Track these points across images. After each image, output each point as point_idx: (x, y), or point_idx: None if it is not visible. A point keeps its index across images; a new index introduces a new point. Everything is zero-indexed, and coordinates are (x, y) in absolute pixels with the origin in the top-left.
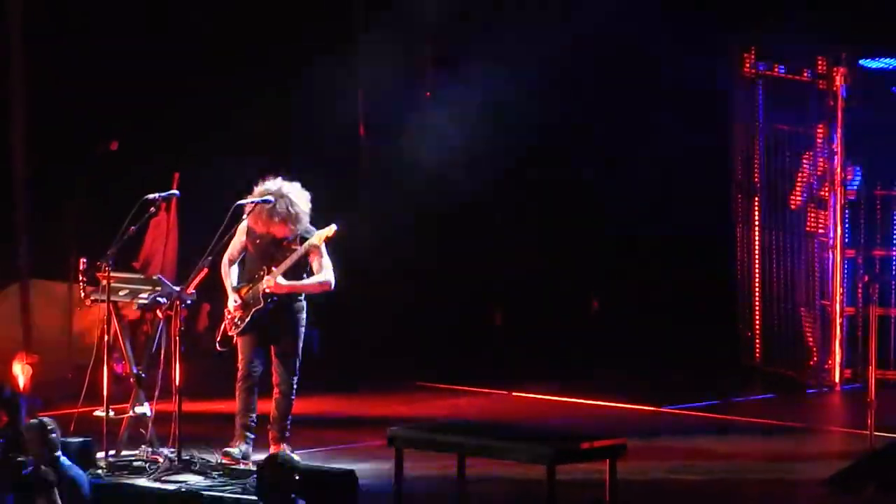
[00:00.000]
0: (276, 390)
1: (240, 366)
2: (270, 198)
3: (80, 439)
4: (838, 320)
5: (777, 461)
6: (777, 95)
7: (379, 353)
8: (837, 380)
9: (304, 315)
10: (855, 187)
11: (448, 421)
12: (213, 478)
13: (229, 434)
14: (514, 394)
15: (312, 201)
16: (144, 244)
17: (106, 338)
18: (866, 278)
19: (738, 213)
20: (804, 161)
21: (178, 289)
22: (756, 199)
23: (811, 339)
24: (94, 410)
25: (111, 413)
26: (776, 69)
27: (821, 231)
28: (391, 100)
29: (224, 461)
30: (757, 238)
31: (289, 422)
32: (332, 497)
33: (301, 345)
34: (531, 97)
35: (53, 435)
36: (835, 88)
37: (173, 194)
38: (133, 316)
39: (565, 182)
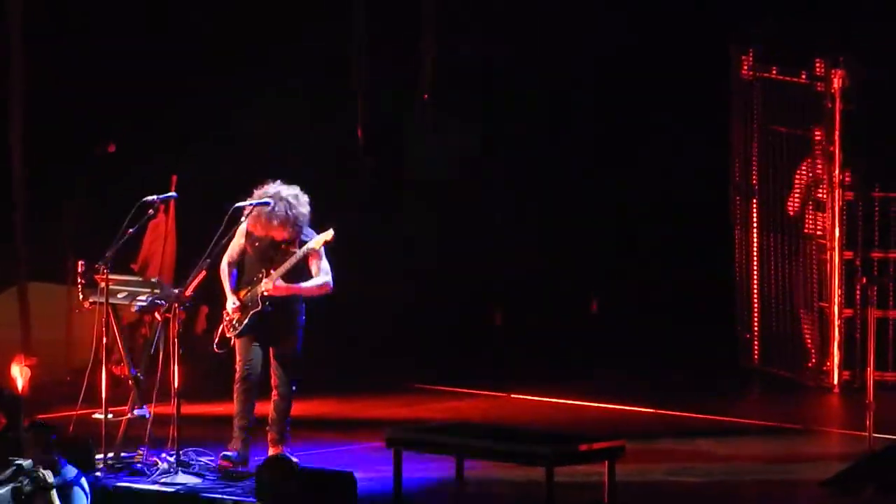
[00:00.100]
0: (274, 392)
1: (238, 368)
2: (269, 200)
3: (79, 441)
4: (836, 322)
5: (775, 463)
6: (775, 97)
7: (378, 355)
8: (836, 381)
9: (302, 317)
10: (851, 189)
11: (447, 422)
12: (212, 480)
13: (228, 436)
14: (512, 395)
15: (311, 203)
16: (143, 246)
17: (104, 340)
18: (864, 280)
19: (736, 215)
20: (802, 164)
21: (176, 291)
22: (754, 200)
23: (809, 340)
24: (92, 413)
25: (110, 415)
26: (774, 71)
27: (819, 233)
28: (389, 101)
29: (222, 463)
30: (755, 240)
31: (287, 423)
32: (330, 498)
33: (300, 347)
34: (530, 97)
35: (52, 437)
36: (832, 90)
37: (172, 196)
38: (131, 318)
39: (564, 183)
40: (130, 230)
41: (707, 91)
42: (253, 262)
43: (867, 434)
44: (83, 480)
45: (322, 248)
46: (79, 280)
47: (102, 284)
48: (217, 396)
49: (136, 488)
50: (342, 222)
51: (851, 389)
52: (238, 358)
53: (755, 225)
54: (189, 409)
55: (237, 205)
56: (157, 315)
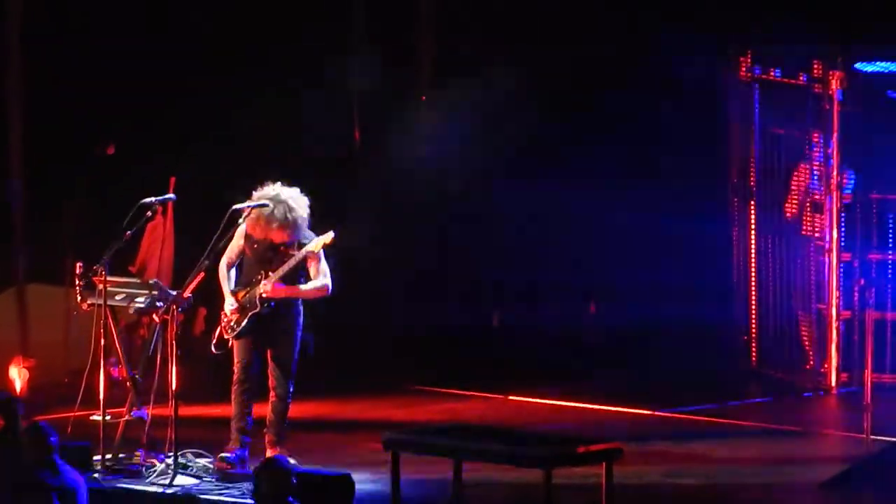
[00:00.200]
0: (272, 394)
1: (235, 369)
2: (267, 202)
3: (77, 443)
4: (834, 324)
5: (774, 465)
6: (773, 99)
7: (375, 357)
8: (834, 383)
9: (300, 319)
10: (849, 191)
11: (444, 424)
12: (210, 482)
13: (225, 438)
14: (510, 397)
15: (310, 205)
16: (141, 248)
17: (102, 341)
18: (862, 282)
19: (734, 217)
20: (800, 166)
21: (174, 293)
22: (752, 202)
23: (807, 342)
24: (90, 414)
25: (108, 417)
26: (772, 73)
27: (817, 235)
28: (387, 102)
29: (220, 465)
30: (753, 241)
31: (285, 425)
32: (328, 500)
33: (297, 349)
34: (528, 99)
35: (50, 439)
36: (830, 92)
37: (170, 198)
38: (129, 320)
39: (563, 185)
40: (129, 232)
41: (705, 92)
42: (252, 263)
43: (865, 436)
44: (81, 481)
45: (321, 251)
46: (77, 282)
47: (100, 286)
48: (215, 398)
49: (133, 490)
50: (340, 223)
51: (849, 391)
52: (236, 359)
53: (753, 227)
54: (187, 410)
55: (235, 206)
56: (155, 317)
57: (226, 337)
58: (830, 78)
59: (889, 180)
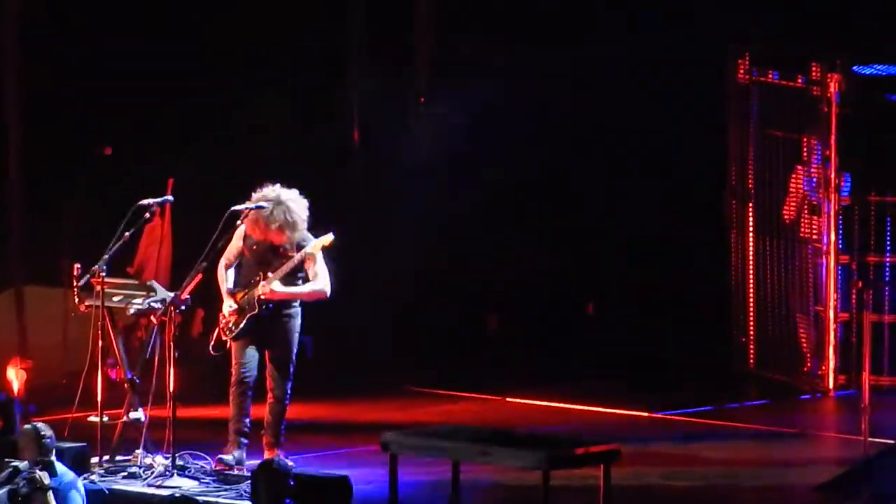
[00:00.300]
0: (270, 395)
1: (233, 371)
2: (265, 204)
3: (75, 444)
4: (832, 326)
5: (771, 467)
6: (771, 101)
7: (373, 358)
8: (831, 385)
9: (298, 321)
10: (846, 194)
11: (442, 426)
12: (207, 483)
13: (223, 439)
14: (508, 399)
15: (309, 207)
16: (139, 250)
17: (100, 343)
18: (860, 284)
19: (732, 219)
20: (798, 168)
21: (172, 294)
22: (750, 204)
23: (805, 344)
24: (88, 416)
25: (105, 418)
26: (770, 75)
27: (815, 237)
28: (386, 104)
29: (218, 467)
30: (751, 243)
31: (283, 427)
32: (326, 502)
33: (295, 350)
34: (526, 101)
35: (48, 440)
36: (828, 95)
37: (167, 200)
38: (127, 321)
39: (561, 187)
40: (126, 234)
41: (703, 94)
42: (250, 264)
43: (862, 438)
44: (79, 483)
45: (320, 253)
46: (75, 283)
47: (98, 288)
48: (213, 400)
49: (131, 491)
50: (339, 224)
51: (847, 394)
52: (234, 361)
53: (751, 229)
54: (185, 412)
55: (233, 208)
56: (152, 318)
57: (224, 338)
58: (828, 80)
59: (887, 183)
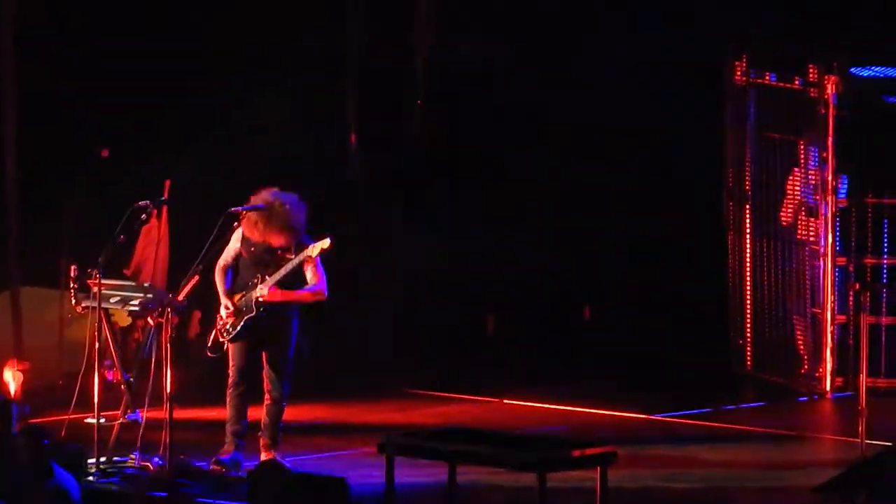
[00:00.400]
0: (267, 397)
1: (230, 372)
2: (262, 205)
3: (72, 446)
4: (829, 328)
5: (768, 469)
6: (768, 103)
7: (371, 360)
8: (828, 388)
9: (296, 323)
10: (842, 196)
11: (439, 428)
12: (205, 485)
13: (220, 441)
14: (505, 401)
15: (308, 210)
16: (135, 251)
17: (97, 345)
18: (857, 286)
19: (729, 221)
20: (795, 170)
21: (169, 296)
22: (747, 206)
23: (802, 346)
24: (84, 417)
25: (102, 420)
26: (767, 77)
27: (812, 239)
28: (386, 106)
29: (215, 468)
30: (748, 245)
31: (280, 428)
32: None
33: (293, 352)
34: (526, 102)
35: (44, 442)
36: (826, 96)
37: (164, 201)
38: (124, 323)
39: (558, 190)
40: (123, 235)
41: (704, 95)
42: (248, 266)
43: (860, 440)
44: (75, 485)
45: (318, 256)
46: (71, 285)
47: (95, 289)
48: (210, 401)
49: (127, 493)
50: (339, 224)
51: (844, 395)
52: (231, 363)
53: (748, 231)
54: (181, 413)
55: (230, 210)
56: (149, 320)
57: (221, 340)
58: (826, 82)
59: (884, 185)
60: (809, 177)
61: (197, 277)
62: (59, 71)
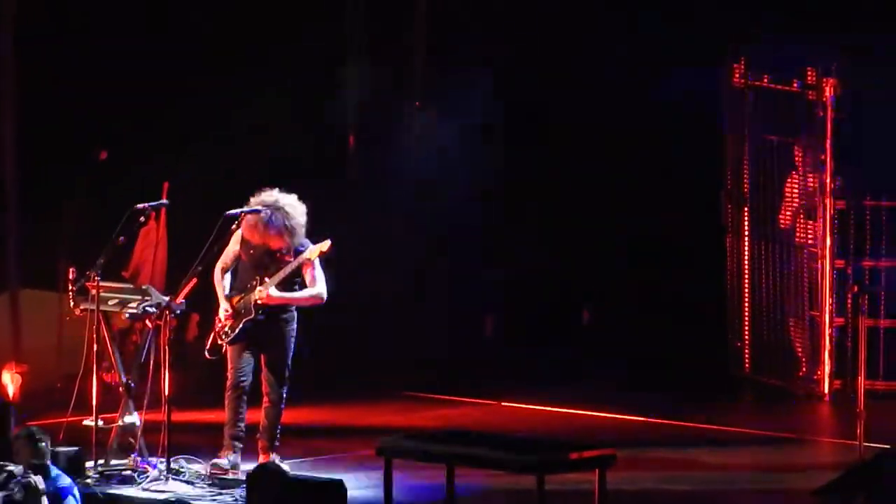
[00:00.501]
0: (265, 399)
1: (229, 375)
2: (260, 208)
3: (70, 448)
4: (827, 331)
5: (766, 471)
6: (766, 105)
7: (370, 362)
8: (826, 390)
9: (294, 325)
10: (840, 198)
11: (437, 430)
12: (202, 488)
13: (218, 444)
14: (503, 403)
15: (308, 213)
16: (134, 254)
17: (95, 347)
18: (856, 289)
19: (727, 223)
20: (793, 173)
21: (167, 298)
22: (745, 208)
23: (800, 349)
24: (83, 420)
25: (100, 422)
26: (765, 79)
27: (810, 241)
28: (382, 108)
29: (213, 471)
30: (746, 248)
31: (278, 431)
32: None
33: (291, 355)
34: (522, 106)
35: (42, 444)
36: (824, 99)
37: (163, 204)
38: (122, 325)
39: (556, 192)
40: (122, 238)
41: (704, 96)
42: (247, 268)
43: (858, 443)
44: (74, 487)
45: (317, 259)
46: (70, 287)
47: (93, 292)
48: (208, 404)
49: (126, 496)
50: (339, 223)
51: (842, 398)
52: (229, 365)
53: (747, 233)
54: (180, 416)
55: (228, 212)
56: (147, 322)
57: (220, 342)
58: (824, 85)
59: (882, 187)
60: (808, 179)
61: (195, 280)
62: (59, 71)
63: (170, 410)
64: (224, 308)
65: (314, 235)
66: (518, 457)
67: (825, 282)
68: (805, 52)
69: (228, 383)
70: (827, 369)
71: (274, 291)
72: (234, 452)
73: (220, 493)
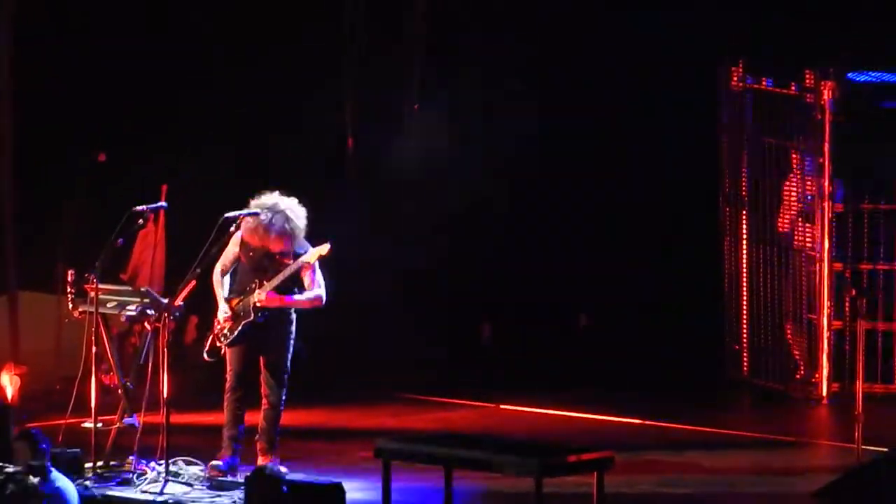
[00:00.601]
0: (264, 402)
1: (228, 377)
2: (259, 210)
3: (69, 450)
4: (825, 334)
5: (765, 474)
6: (765, 108)
7: (367, 365)
8: (825, 393)
9: (293, 328)
10: (839, 201)
11: (435, 433)
12: (201, 490)
13: (217, 446)
14: (501, 406)
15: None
16: (132, 256)
17: (94, 349)
18: (854, 292)
19: (725, 226)
20: (791, 176)
21: (165, 301)
22: (743, 211)
23: (798, 352)
24: (82, 422)
25: (99, 424)
26: (764, 82)
27: (808, 244)
28: (380, 110)
29: (211, 473)
30: (744, 250)
31: (277, 433)
32: None
33: (290, 357)
34: (520, 109)
35: (42, 446)
36: (822, 102)
37: (161, 206)
38: (121, 327)
39: (554, 195)
40: (120, 240)
41: (697, 101)
42: (246, 271)
43: (856, 446)
44: (73, 489)
45: (316, 262)
46: (69, 289)
47: (92, 294)
48: (207, 406)
49: (124, 497)
50: (339, 223)
51: (840, 401)
52: (228, 367)
53: (745, 236)
54: (178, 418)
55: (227, 215)
56: (146, 324)
57: (219, 344)
58: (822, 87)
59: (880, 190)
60: (806, 182)
61: (194, 282)
62: (59, 71)
63: (168, 412)
64: (223, 310)
65: (313, 236)
66: (516, 459)
67: (823, 285)
68: (803, 55)
69: (227, 385)
70: (825, 372)
71: (273, 294)
72: (233, 454)
73: (219, 496)
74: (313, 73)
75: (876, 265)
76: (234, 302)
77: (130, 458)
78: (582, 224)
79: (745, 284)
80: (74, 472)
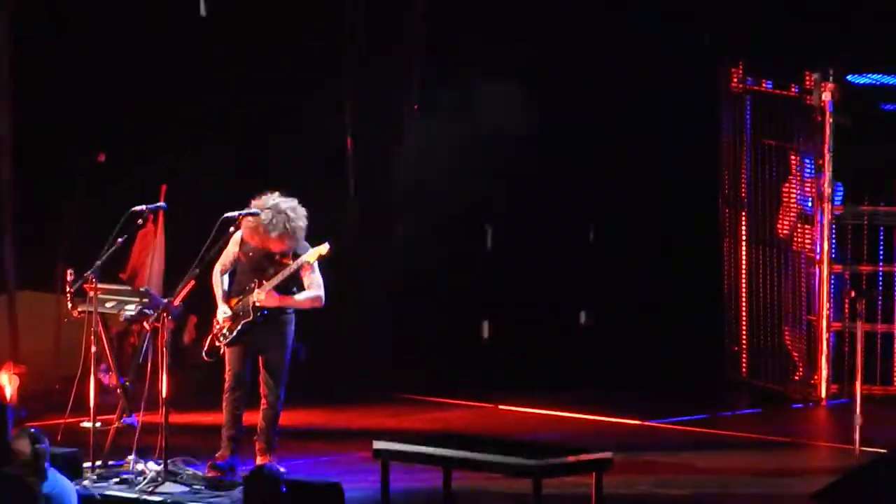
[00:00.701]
0: (263, 401)
1: (227, 377)
2: (259, 210)
3: (68, 450)
4: (825, 335)
5: (763, 476)
6: (765, 110)
7: (366, 366)
8: (824, 395)
9: (292, 328)
10: (838, 203)
11: (434, 433)
12: (200, 489)
13: (216, 445)
14: (500, 406)
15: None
16: (131, 256)
17: (93, 349)
18: (853, 294)
19: (725, 227)
20: (791, 178)
21: (165, 301)
22: (743, 213)
23: (797, 353)
24: (81, 421)
25: (98, 424)
26: (764, 84)
27: (807, 246)
28: (380, 110)
29: (210, 473)
30: (744, 252)
31: (276, 433)
32: None
33: (289, 357)
34: (519, 110)
35: (41, 445)
36: (822, 104)
37: (160, 207)
38: (120, 327)
39: (554, 195)
40: (119, 240)
41: (697, 103)
42: (246, 271)
43: (855, 447)
44: (72, 489)
45: (316, 262)
46: (68, 289)
47: (91, 294)
48: (206, 406)
49: (123, 497)
50: (338, 224)
51: (839, 403)
52: (227, 367)
53: (744, 237)
54: (177, 418)
55: (226, 215)
56: (145, 324)
57: (218, 344)
58: (822, 89)
59: (879, 192)
60: (805, 184)
61: (193, 282)
62: (59, 71)
63: (167, 412)
64: (222, 310)
65: (312, 237)
66: (515, 460)
67: (822, 286)
68: (803, 57)
69: (226, 385)
70: (824, 374)
71: (273, 294)
72: (232, 454)
73: (218, 496)
74: (313, 73)
75: (876, 267)
76: (234, 302)
77: (129, 457)
78: (582, 224)
79: (744, 286)
80: (73, 472)
